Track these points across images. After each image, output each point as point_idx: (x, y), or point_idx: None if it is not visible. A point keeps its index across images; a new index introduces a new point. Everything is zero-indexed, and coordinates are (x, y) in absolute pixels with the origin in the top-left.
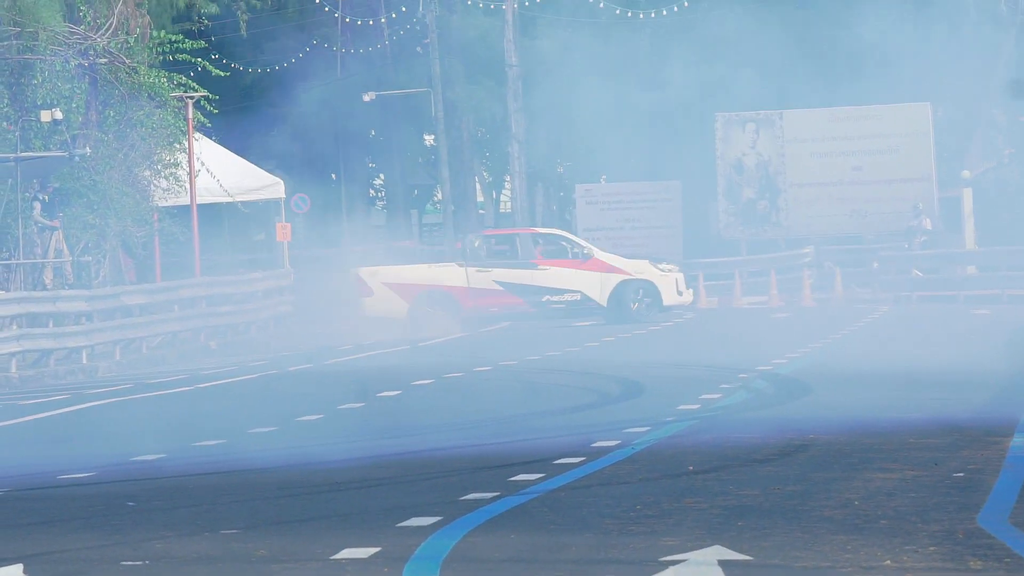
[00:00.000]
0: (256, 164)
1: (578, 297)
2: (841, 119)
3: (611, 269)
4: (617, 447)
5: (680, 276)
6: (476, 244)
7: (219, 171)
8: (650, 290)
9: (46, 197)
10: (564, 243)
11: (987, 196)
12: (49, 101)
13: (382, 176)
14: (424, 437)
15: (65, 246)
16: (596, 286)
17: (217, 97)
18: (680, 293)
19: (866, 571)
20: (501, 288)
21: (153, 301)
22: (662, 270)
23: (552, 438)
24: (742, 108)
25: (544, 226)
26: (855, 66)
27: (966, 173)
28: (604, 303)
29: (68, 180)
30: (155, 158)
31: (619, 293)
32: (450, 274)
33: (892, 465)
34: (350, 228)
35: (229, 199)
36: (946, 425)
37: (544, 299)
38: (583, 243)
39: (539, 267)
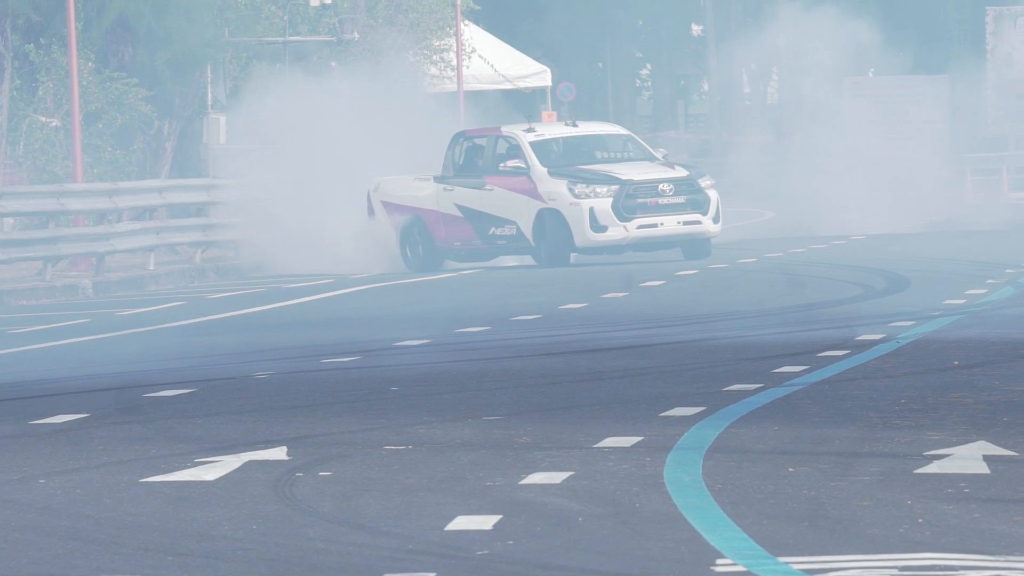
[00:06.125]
0: (523, 52)
1: (514, 231)
2: None
3: (536, 195)
4: (882, 340)
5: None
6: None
7: (487, 57)
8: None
9: None
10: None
11: None
12: None
13: (649, 66)
14: (686, 327)
15: None
16: (524, 215)
17: None
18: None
19: None
20: (461, 215)
21: None
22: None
23: (816, 330)
24: (1014, 3)
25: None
26: None
27: None
28: (531, 238)
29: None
30: (423, 44)
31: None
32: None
33: None
34: (616, 117)
35: (496, 86)
36: None
37: (492, 231)
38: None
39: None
